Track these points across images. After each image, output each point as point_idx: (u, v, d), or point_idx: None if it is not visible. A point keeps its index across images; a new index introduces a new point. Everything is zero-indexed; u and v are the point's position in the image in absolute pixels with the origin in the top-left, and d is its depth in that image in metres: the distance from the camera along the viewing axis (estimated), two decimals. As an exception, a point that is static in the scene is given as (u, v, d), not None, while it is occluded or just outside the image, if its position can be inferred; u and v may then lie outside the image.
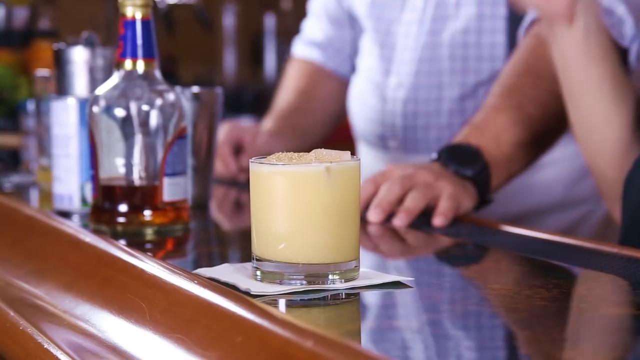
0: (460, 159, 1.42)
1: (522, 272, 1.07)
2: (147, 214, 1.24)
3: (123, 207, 1.24)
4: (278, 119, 1.98)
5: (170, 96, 1.25)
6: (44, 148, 1.71)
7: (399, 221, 1.31)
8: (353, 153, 1.01)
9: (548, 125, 1.52)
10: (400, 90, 1.80)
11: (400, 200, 1.34)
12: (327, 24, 2.04)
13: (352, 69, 2.01)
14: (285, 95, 2.04)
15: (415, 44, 1.79)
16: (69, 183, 1.38)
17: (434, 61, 1.77)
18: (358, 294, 0.94)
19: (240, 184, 1.77)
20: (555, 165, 1.71)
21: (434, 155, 1.45)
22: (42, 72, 1.82)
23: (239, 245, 1.26)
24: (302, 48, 2.07)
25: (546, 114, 1.51)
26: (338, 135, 2.13)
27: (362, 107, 1.89)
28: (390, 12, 1.84)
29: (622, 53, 1.60)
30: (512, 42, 1.71)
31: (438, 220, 1.31)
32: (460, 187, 1.38)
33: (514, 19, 1.71)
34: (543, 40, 1.57)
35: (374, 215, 1.32)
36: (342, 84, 2.03)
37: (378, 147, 1.86)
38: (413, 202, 1.33)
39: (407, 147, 1.80)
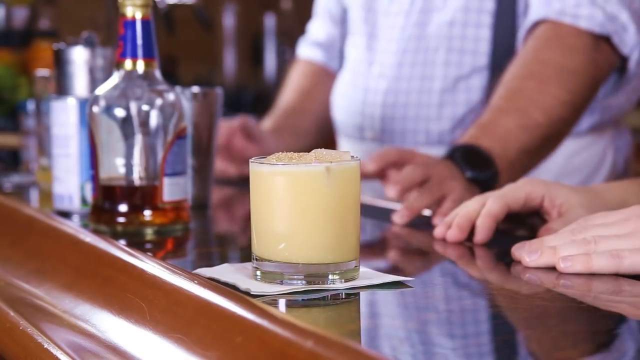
0: (475, 162, 1.42)
1: (522, 272, 1.07)
2: (147, 214, 1.24)
3: (123, 207, 1.24)
4: (278, 118, 1.99)
5: (170, 96, 1.25)
6: (44, 148, 1.71)
7: (399, 218, 1.31)
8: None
9: (551, 132, 1.52)
10: (381, 80, 1.80)
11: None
12: (329, 24, 2.04)
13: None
14: (286, 95, 2.05)
15: (401, 35, 1.80)
16: (69, 183, 1.38)
17: (417, 52, 1.77)
18: (358, 294, 0.94)
19: (240, 184, 1.77)
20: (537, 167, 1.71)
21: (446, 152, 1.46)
22: (42, 72, 1.82)
23: (239, 245, 1.26)
24: (306, 49, 2.08)
25: (550, 120, 1.51)
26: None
27: (344, 98, 1.90)
28: (379, 4, 1.85)
29: (621, 61, 1.60)
30: (496, 38, 1.71)
31: (438, 220, 1.31)
32: (469, 191, 1.39)
33: (501, 14, 1.71)
34: (546, 43, 1.56)
35: (391, 191, 1.35)
36: None
37: (355, 139, 1.87)
38: (418, 202, 1.33)
39: (384, 138, 1.81)
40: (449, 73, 1.74)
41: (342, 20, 2.01)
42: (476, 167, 1.42)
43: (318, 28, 2.07)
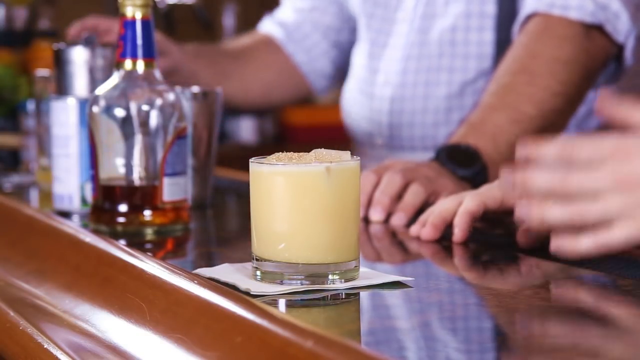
0: (460, 159, 1.42)
1: (522, 272, 1.07)
2: (147, 214, 1.24)
3: (123, 207, 1.24)
4: (204, 46, 1.91)
5: (170, 96, 1.25)
6: (44, 148, 1.71)
7: (397, 220, 1.31)
8: (351, 152, 1.01)
9: (544, 123, 1.52)
10: (386, 87, 1.80)
11: (400, 195, 1.34)
12: (295, 13, 1.98)
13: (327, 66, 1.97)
14: (226, 44, 1.95)
15: (404, 42, 1.79)
16: (69, 183, 1.38)
17: (421, 59, 1.77)
18: (358, 294, 0.94)
19: (240, 184, 1.77)
20: None
21: (432, 154, 1.45)
22: (42, 72, 1.82)
23: (239, 245, 1.26)
24: (267, 24, 2.01)
25: (542, 112, 1.51)
26: (336, 135, 2.12)
27: (352, 105, 1.89)
28: (383, 11, 1.85)
29: (617, 49, 1.60)
30: (500, 41, 1.71)
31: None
32: (459, 187, 1.38)
33: (503, 17, 1.72)
34: (536, 36, 1.57)
35: (375, 214, 1.32)
36: (293, 70, 1.97)
37: (366, 145, 1.86)
38: (413, 197, 1.32)
39: (392, 145, 1.80)
40: (454, 79, 1.74)
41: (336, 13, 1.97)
42: (461, 164, 1.42)
43: (286, 11, 2.00)
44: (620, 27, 1.56)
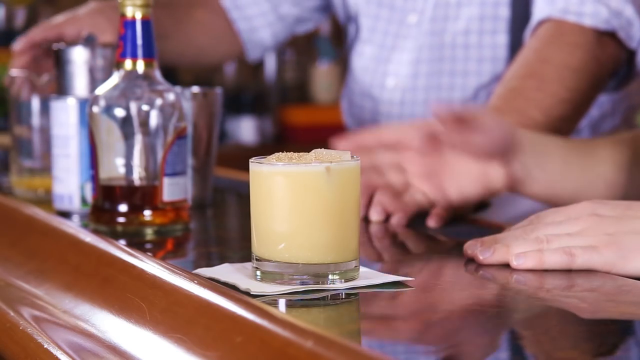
0: None
1: (522, 272, 1.07)
2: (147, 214, 1.24)
3: (123, 207, 1.24)
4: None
5: (170, 96, 1.25)
6: (24, 149, 1.63)
7: (397, 220, 1.31)
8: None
9: (551, 130, 1.52)
10: (396, 92, 1.79)
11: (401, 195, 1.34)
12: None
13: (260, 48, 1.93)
14: None
15: (413, 45, 1.78)
16: (69, 183, 1.38)
17: (433, 62, 1.76)
18: (358, 294, 0.94)
19: (240, 184, 1.77)
20: None
21: None
22: (16, 71, 1.68)
23: (239, 245, 1.26)
24: None
25: (549, 118, 1.51)
26: (336, 135, 2.10)
27: (358, 109, 1.88)
28: (388, 12, 1.84)
29: (629, 55, 1.60)
30: (514, 44, 1.71)
31: (432, 222, 1.31)
32: None
33: (517, 20, 1.71)
34: (547, 41, 1.56)
35: (375, 214, 1.32)
36: (229, 35, 1.91)
37: None
38: (414, 197, 1.32)
39: None
40: (468, 82, 1.73)
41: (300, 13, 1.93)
42: None
43: None
44: (634, 33, 1.55)
